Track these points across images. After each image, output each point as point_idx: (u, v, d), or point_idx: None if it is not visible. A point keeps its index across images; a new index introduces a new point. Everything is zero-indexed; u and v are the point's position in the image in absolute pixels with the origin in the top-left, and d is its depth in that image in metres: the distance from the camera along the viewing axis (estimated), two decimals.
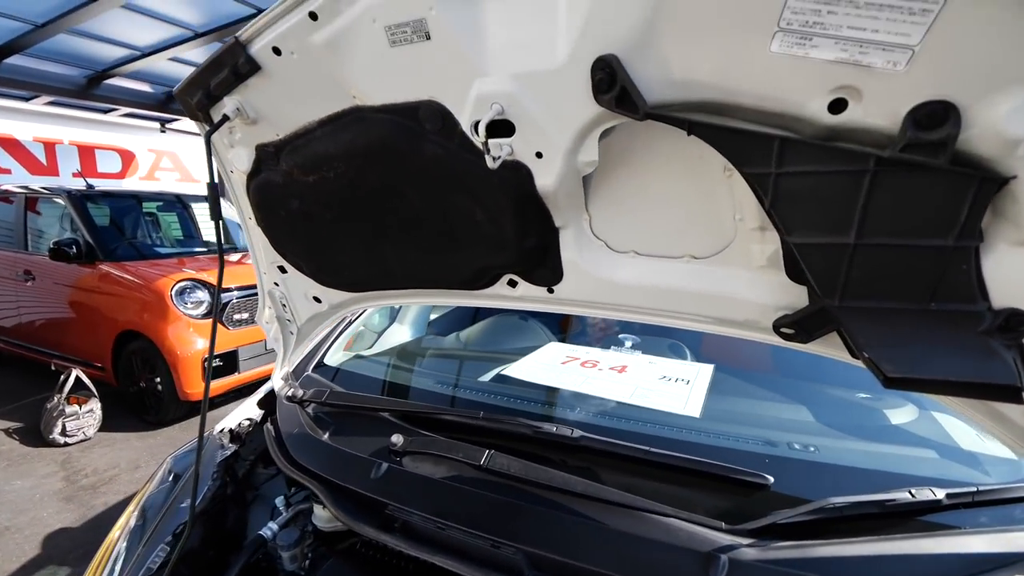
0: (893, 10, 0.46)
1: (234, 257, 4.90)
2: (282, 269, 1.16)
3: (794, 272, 0.71)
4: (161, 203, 5.19)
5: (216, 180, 0.83)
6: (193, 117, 0.88)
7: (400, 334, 1.95)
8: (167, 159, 9.25)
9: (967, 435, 1.10)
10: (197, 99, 0.84)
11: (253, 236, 1.11)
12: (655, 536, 0.82)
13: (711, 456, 0.98)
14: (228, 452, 1.25)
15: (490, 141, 0.70)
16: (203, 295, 3.83)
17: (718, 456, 0.99)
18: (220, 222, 0.83)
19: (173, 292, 3.67)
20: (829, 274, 0.64)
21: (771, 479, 0.90)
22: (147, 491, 1.18)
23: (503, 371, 1.43)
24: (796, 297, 0.75)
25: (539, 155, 0.70)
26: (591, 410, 1.21)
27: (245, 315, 4.04)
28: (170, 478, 1.19)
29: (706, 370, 1.41)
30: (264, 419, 1.35)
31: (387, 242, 0.94)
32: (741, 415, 1.21)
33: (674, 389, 1.30)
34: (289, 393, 1.30)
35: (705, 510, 0.85)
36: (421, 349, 1.75)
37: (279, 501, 1.14)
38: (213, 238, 5.61)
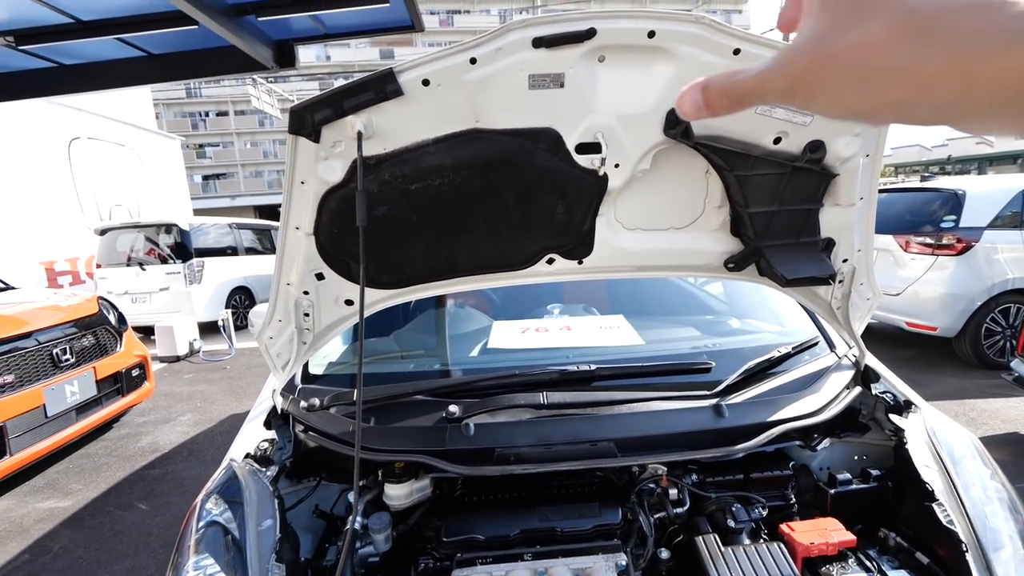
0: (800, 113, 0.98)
1: None
2: (319, 276, 1.20)
3: (736, 229, 1.24)
4: None
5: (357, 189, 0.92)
6: (298, 131, 0.92)
7: (335, 344, 1.96)
8: None
9: (744, 320, 1.88)
10: (321, 116, 0.90)
11: (295, 247, 1.13)
12: (686, 406, 1.27)
13: (667, 360, 1.49)
14: (270, 471, 1.21)
15: (589, 156, 1.02)
16: None
17: (672, 359, 1.50)
18: (363, 229, 0.92)
19: None
20: (763, 228, 1.17)
21: (712, 363, 1.44)
22: (191, 539, 1.07)
23: (489, 345, 1.69)
24: (732, 246, 1.28)
25: (617, 165, 1.04)
26: (578, 355, 1.60)
27: (9, 378, 3.04)
28: (220, 512, 1.10)
29: (619, 318, 1.94)
30: (285, 435, 1.32)
31: (464, 234, 1.13)
32: (664, 338, 1.76)
33: (614, 333, 1.78)
34: (316, 402, 1.31)
35: (692, 388, 1.35)
36: (393, 343, 1.84)
37: (351, 495, 1.20)
38: None
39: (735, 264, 1.28)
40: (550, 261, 1.26)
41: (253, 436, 1.36)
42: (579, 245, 1.22)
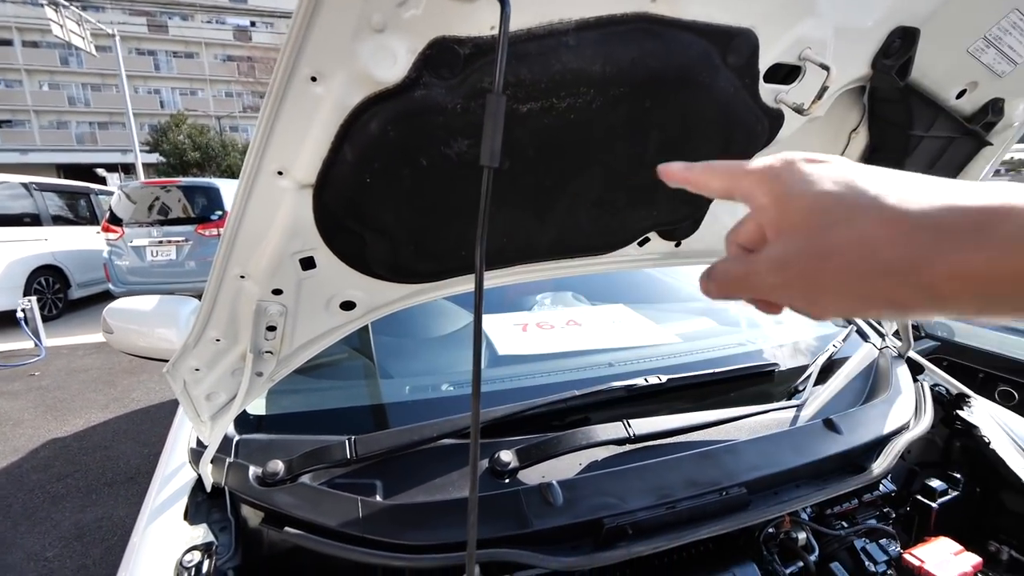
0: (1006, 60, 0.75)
1: None
2: (307, 263, 0.68)
3: None
4: None
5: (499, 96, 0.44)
6: None
7: None
8: None
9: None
10: None
11: (268, 209, 0.61)
12: (791, 423, 1.03)
13: (722, 362, 1.24)
14: None
15: (773, 88, 0.68)
16: None
17: (726, 361, 1.26)
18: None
19: None
20: None
21: (778, 364, 1.23)
22: None
23: (499, 351, 1.28)
24: None
25: (803, 105, 0.71)
26: (619, 360, 1.27)
27: None
28: None
29: (621, 308, 1.65)
30: (227, 532, 0.78)
31: (564, 199, 0.71)
32: (692, 332, 1.51)
33: (633, 327, 1.49)
34: (281, 467, 0.79)
35: (769, 397, 1.11)
36: (354, 355, 1.31)
37: None
38: None
39: None
40: (643, 242, 0.91)
41: (164, 543, 0.78)
42: (693, 221, 0.88)
